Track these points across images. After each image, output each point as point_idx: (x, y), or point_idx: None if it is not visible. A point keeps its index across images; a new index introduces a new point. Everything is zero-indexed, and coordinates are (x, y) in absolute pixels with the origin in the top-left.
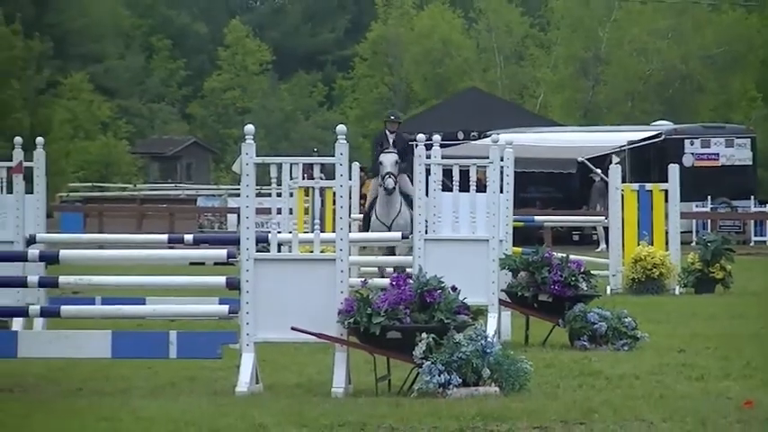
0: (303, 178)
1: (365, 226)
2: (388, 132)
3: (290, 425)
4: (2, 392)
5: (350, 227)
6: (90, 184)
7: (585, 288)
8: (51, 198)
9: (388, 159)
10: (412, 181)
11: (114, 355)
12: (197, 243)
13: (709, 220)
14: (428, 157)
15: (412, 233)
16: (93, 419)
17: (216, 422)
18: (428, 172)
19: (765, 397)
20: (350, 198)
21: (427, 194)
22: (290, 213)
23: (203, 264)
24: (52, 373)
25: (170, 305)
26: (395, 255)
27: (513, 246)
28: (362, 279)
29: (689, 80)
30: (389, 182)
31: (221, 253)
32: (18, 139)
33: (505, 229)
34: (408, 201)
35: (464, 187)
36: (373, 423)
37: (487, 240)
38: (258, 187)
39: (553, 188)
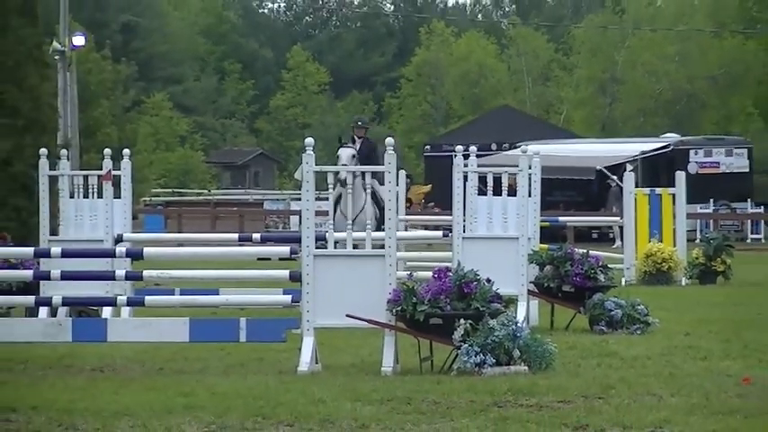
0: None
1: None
2: (356, 138)
3: (345, 399)
4: (94, 372)
5: (397, 227)
6: (170, 189)
7: (603, 280)
8: (136, 202)
9: (345, 153)
10: (381, 181)
11: (191, 339)
12: (264, 241)
13: (711, 220)
14: (466, 165)
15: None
16: (173, 395)
17: (280, 397)
18: (465, 179)
19: (762, 374)
20: (397, 201)
21: (465, 198)
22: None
23: (269, 259)
24: (137, 355)
25: (240, 295)
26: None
27: (540, 243)
28: (408, 272)
29: (694, 98)
30: (343, 174)
31: (285, 250)
32: (107, 151)
33: (533, 229)
34: (375, 199)
35: (497, 192)
36: (418, 398)
37: (517, 238)
38: (317, 192)
39: (575, 192)
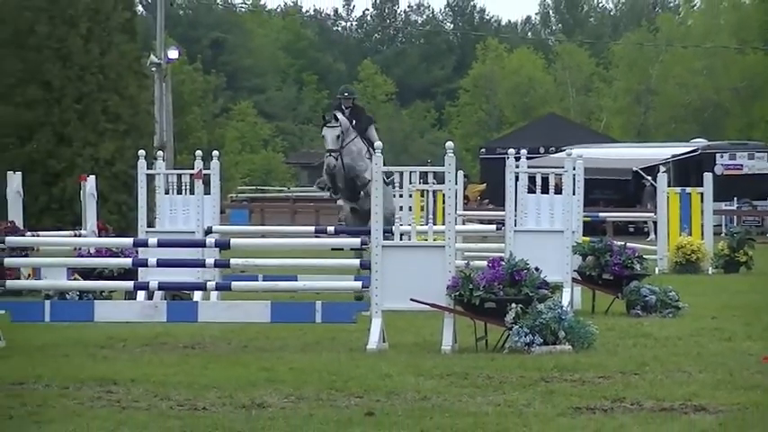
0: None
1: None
2: (344, 108)
3: (409, 374)
4: (186, 348)
5: (456, 221)
6: (254, 187)
7: (639, 269)
8: (224, 198)
9: (330, 135)
10: (369, 138)
11: (273, 320)
12: (337, 233)
13: (734, 216)
14: (517, 166)
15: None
16: (256, 369)
17: (351, 372)
18: (517, 178)
19: None
20: (455, 199)
21: (516, 196)
22: (410, 210)
23: (342, 249)
24: (224, 335)
25: (316, 281)
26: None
27: (583, 236)
28: (466, 262)
29: (719, 107)
30: (330, 160)
31: (356, 241)
32: (198, 153)
33: (576, 223)
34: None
35: (545, 190)
36: (474, 373)
37: (563, 231)
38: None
39: (613, 191)
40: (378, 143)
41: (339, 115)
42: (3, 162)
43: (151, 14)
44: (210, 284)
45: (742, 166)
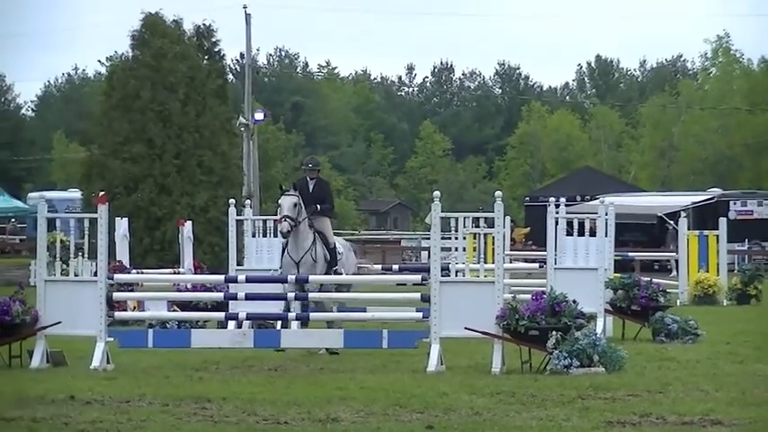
0: (472, 227)
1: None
2: (308, 179)
3: (463, 392)
4: (270, 371)
5: (503, 260)
6: None
7: (663, 301)
8: None
9: (287, 202)
10: (328, 216)
11: (345, 346)
12: (401, 271)
13: (746, 255)
14: (557, 212)
15: (328, 270)
16: (331, 389)
17: (413, 391)
18: (557, 223)
19: None
20: (503, 240)
21: (556, 238)
22: (464, 251)
23: (405, 284)
24: (302, 358)
25: (383, 312)
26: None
27: (614, 272)
28: (512, 295)
29: (733, 161)
30: (284, 225)
31: (417, 278)
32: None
33: (608, 261)
34: (324, 239)
35: (581, 233)
36: (520, 392)
37: (597, 269)
38: (442, 233)
39: (640, 233)
40: (497, 192)
41: (294, 188)
42: (112, 209)
43: (240, 81)
44: (291, 315)
45: (752, 211)
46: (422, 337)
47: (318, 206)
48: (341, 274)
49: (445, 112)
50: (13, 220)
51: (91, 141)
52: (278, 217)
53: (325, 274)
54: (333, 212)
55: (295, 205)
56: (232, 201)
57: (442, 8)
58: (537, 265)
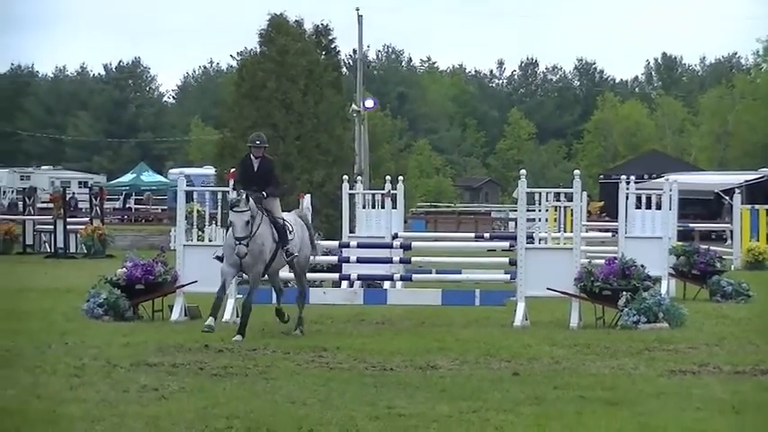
0: (553, 201)
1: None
2: (252, 158)
3: (545, 345)
4: (378, 324)
5: (580, 230)
6: (429, 203)
7: (719, 266)
8: (406, 211)
9: (239, 221)
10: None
11: (443, 303)
12: (491, 239)
13: None
14: (627, 188)
15: (277, 249)
16: (431, 340)
17: (502, 343)
18: (627, 197)
19: None
20: (580, 213)
21: (626, 210)
22: (546, 221)
23: (495, 250)
24: (406, 314)
25: (476, 274)
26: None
27: (677, 241)
28: (588, 260)
29: None
30: (241, 249)
31: (505, 244)
32: (388, 178)
33: (672, 231)
34: (272, 219)
35: (648, 206)
36: (594, 344)
37: (662, 238)
38: (527, 206)
39: (700, 207)
40: (576, 171)
41: (245, 200)
42: None
43: (352, 74)
44: (396, 276)
45: None
46: (509, 297)
47: (264, 194)
48: (292, 253)
49: (530, 101)
50: (148, 192)
51: (223, 125)
52: (230, 238)
53: (275, 253)
54: (279, 189)
55: (247, 223)
56: (345, 177)
57: (529, 9)
58: (610, 234)
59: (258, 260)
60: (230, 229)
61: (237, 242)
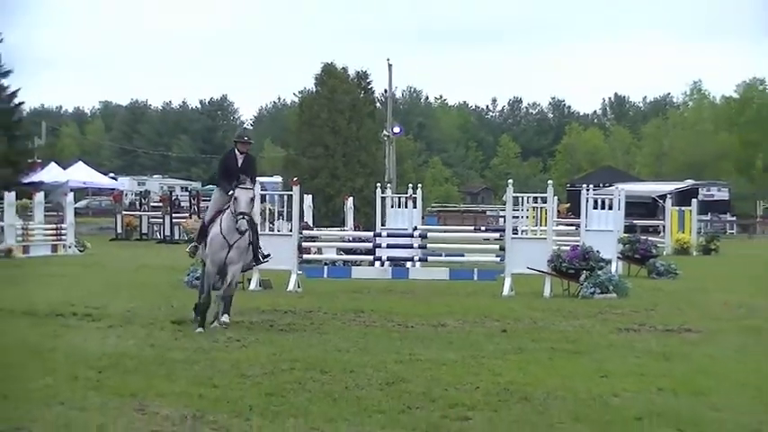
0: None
1: (200, 235)
2: (237, 153)
3: (525, 309)
4: (403, 294)
5: (552, 225)
6: (440, 204)
7: (655, 252)
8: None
9: (244, 197)
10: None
11: (450, 279)
12: (486, 230)
13: (709, 223)
14: (587, 194)
15: (255, 257)
16: (440, 305)
17: (494, 308)
18: (587, 201)
19: (734, 299)
20: (552, 212)
21: (587, 211)
22: (527, 219)
23: (489, 239)
24: (420, 288)
25: (474, 257)
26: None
27: (623, 233)
28: (557, 247)
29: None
30: (243, 223)
31: (496, 235)
32: (410, 185)
33: (620, 226)
34: (253, 225)
35: (603, 207)
36: (563, 309)
37: (613, 231)
38: (513, 207)
39: (641, 208)
40: (549, 181)
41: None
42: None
43: (384, 107)
44: (416, 258)
45: (713, 195)
46: (500, 274)
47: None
48: (267, 255)
49: (516, 128)
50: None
51: (288, 145)
52: (234, 210)
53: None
54: (255, 186)
55: (251, 199)
56: (378, 184)
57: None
58: (574, 228)
59: (242, 256)
60: (218, 224)
61: (241, 216)
